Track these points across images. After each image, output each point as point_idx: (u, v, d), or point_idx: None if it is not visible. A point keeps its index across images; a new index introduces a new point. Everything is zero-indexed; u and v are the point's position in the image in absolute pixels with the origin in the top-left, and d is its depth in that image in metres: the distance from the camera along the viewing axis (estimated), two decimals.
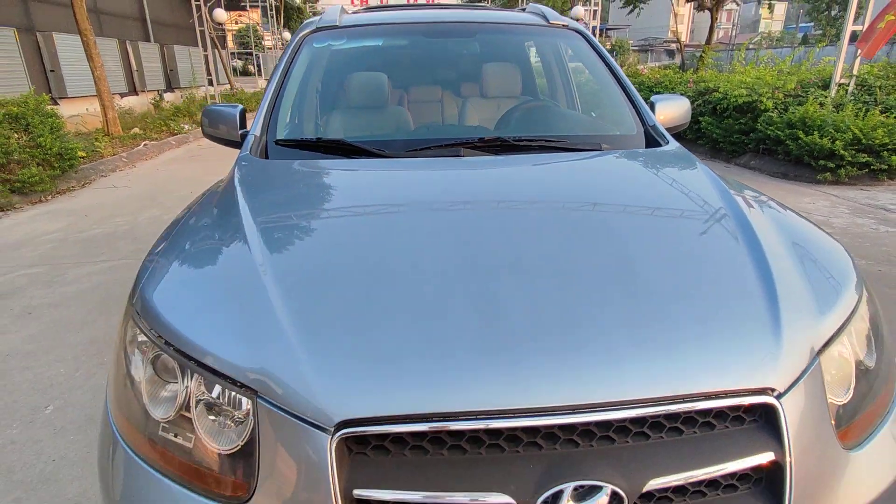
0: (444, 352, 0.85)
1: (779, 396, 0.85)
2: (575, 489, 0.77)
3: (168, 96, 15.67)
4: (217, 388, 0.88)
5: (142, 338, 0.99)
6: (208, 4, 15.91)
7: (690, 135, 8.92)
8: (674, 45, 33.47)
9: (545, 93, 2.29)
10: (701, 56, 11.85)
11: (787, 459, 0.83)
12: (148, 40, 15.50)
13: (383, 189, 1.51)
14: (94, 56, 9.45)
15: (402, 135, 1.96)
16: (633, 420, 0.81)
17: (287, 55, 2.10)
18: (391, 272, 1.06)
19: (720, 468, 0.81)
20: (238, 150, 1.85)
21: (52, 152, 6.36)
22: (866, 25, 6.70)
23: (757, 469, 0.84)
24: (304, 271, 1.08)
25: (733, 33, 65.31)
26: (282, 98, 1.96)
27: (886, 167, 6.20)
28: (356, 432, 0.78)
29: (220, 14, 15.30)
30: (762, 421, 0.86)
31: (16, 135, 6.14)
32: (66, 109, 10.72)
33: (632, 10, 14.05)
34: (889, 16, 6.42)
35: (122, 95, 13.55)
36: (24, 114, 6.25)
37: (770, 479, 0.85)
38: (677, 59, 12.09)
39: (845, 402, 0.96)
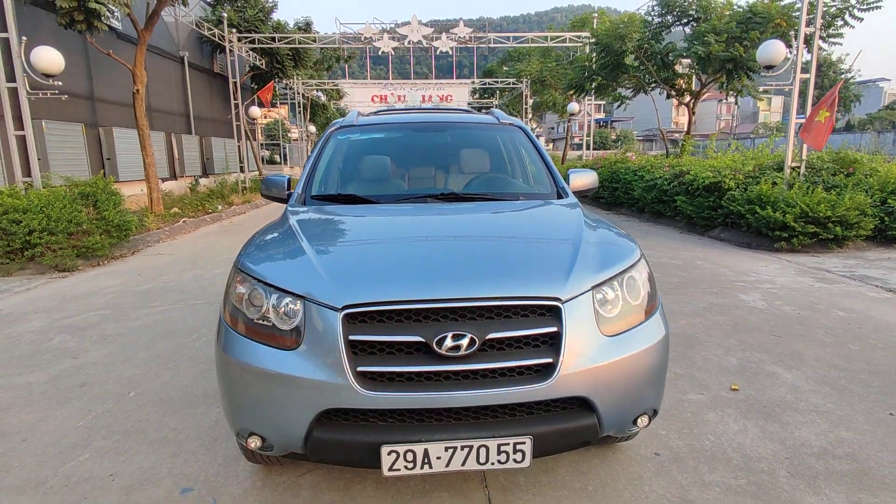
0: (397, 277, 1.75)
1: (563, 303, 1.70)
2: (453, 335, 1.60)
3: (203, 181, 17.38)
4: (284, 301, 1.74)
5: (240, 287, 1.87)
6: (245, 103, 18.11)
7: (669, 212, 9.93)
8: (677, 135, 35.88)
9: (500, 168, 3.26)
10: (682, 144, 13.17)
11: (563, 332, 1.66)
12: (190, 133, 17.50)
13: (377, 214, 2.51)
14: (147, 147, 11.02)
15: (393, 191, 2.95)
16: (486, 308, 1.66)
17: (319, 144, 3.15)
18: (374, 244, 2.06)
19: (528, 331, 1.65)
20: (285, 205, 2.82)
21: (113, 224, 7.52)
22: (806, 118, 7.83)
23: (548, 335, 1.68)
24: (328, 246, 2.05)
25: (733, 124, 69.08)
26: (316, 171, 2.97)
27: (833, 237, 7.05)
28: (351, 311, 1.64)
29: (255, 111, 17.33)
30: (554, 315, 1.69)
31: (86, 209, 7.33)
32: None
33: (619, 105, 15.70)
34: (824, 111, 7.56)
35: (164, 180, 15.19)
36: (94, 192, 7.49)
37: (554, 342, 1.67)
38: (678, 149, 13.41)
39: (611, 315, 1.80)
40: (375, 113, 3.72)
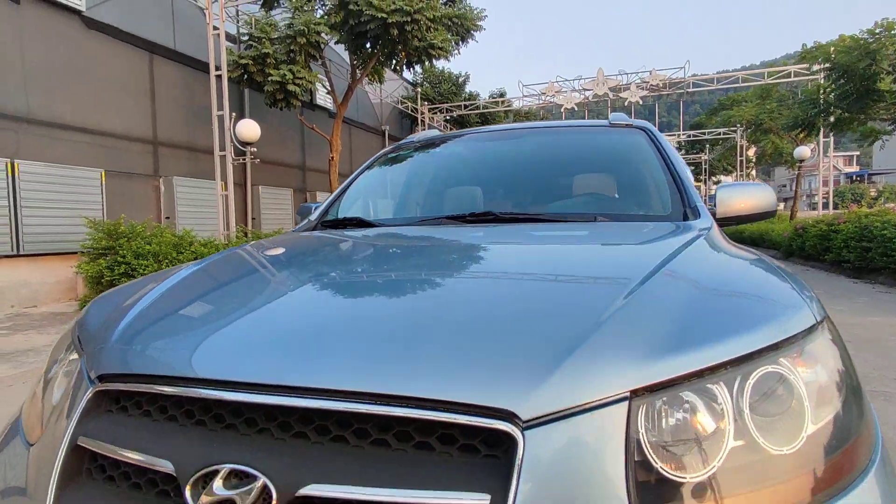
0: (214, 342, 0.91)
1: (523, 429, 0.65)
2: (228, 474, 0.70)
3: None
4: (72, 358, 1.06)
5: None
6: None
7: None
8: None
9: (594, 181, 2.14)
10: None
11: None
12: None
13: (351, 245, 1.62)
14: None
15: (417, 213, 2.17)
16: (324, 413, 0.72)
17: (363, 165, 2.49)
18: (270, 293, 1.17)
19: (404, 495, 0.63)
20: None
21: None
22: None
23: None
24: (205, 287, 1.27)
25: None
26: (343, 195, 2.27)
27: None
28: (108, 388, 0.88)
29: None
30: (503, 457, 0.66)
31: None
32: None
33: (871, 143, 12.13)
34: None
35: None
36: None
37: None
38: None
39: (696, 477, 0.66)
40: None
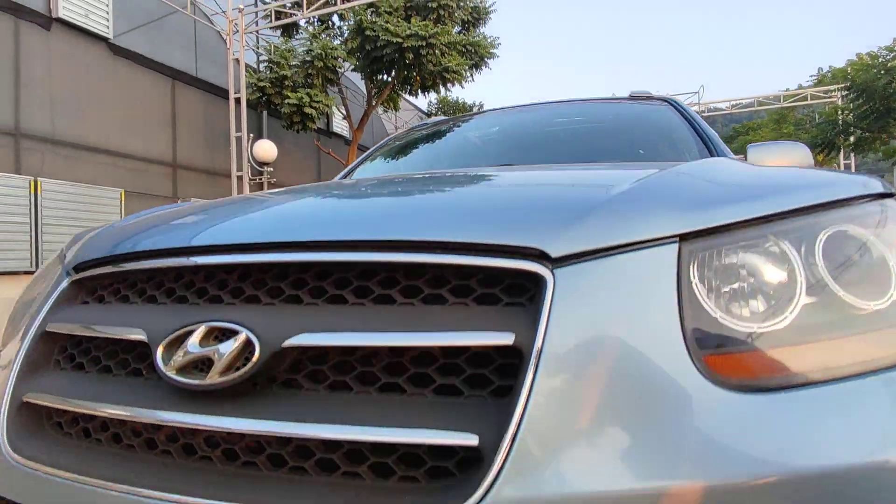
0: (203, 225, 0.86)
1: (552, 267, 0.56)
2: (207, 332, 0.62)
3: None
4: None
5: None
6: None
7: None
8: None
9: (615, 146, 2.07)
10: None
11: (535, 347, 0.52)
12: None
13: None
14: None
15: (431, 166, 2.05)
16: (321, 270, 0.64)
17: (375, 146, 2.47)
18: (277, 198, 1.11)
19: (413, 338, 0.55)
20: None
21: None
22: None
23: (494, 350, 0.55)
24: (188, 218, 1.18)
25: None
26: (358, 166, 2.26)
27: None
28: (85, 276, 0.82)
29: None
30: (529, 305, 0.56)
31: None
32: None
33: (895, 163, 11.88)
34: None
35: None
36: None
37: (512, 378, 0.53)
38: None
39: (765, 328, 0.55)
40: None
